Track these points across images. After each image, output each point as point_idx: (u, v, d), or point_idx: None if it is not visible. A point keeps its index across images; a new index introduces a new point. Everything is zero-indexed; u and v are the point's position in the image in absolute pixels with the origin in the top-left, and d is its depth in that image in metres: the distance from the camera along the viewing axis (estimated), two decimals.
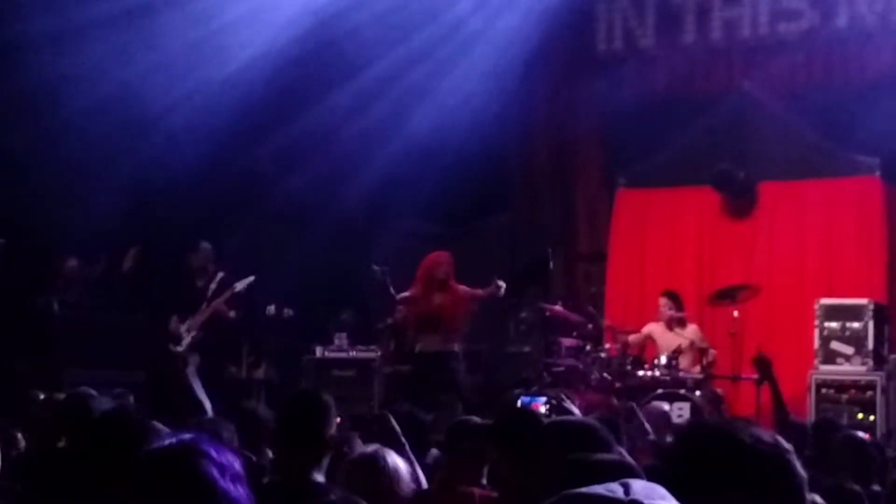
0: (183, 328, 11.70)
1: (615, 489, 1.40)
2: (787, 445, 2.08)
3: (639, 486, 1.40)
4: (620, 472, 2.64)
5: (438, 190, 12.90)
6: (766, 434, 2.00)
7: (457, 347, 11.28)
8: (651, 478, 1.61)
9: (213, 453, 2.64)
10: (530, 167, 14.45)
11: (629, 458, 3.02)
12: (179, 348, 11.67)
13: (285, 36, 12.68)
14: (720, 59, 13.34)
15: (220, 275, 11.76)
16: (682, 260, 12.79)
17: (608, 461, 2.72)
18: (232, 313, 11.77)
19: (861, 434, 5.86)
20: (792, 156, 12.38)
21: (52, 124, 11.45)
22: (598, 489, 1.40)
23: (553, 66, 13.87)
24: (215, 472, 2.59)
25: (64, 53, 11.40)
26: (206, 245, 11.93)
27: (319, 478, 4.21)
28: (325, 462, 4.27)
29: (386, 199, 13.53)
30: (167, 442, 2.70)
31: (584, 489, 1.41)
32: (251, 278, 11.69)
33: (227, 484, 2.59)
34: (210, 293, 11.70)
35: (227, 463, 2.65)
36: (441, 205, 13.31)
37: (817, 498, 6.41)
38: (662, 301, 11.67)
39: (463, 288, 11.29)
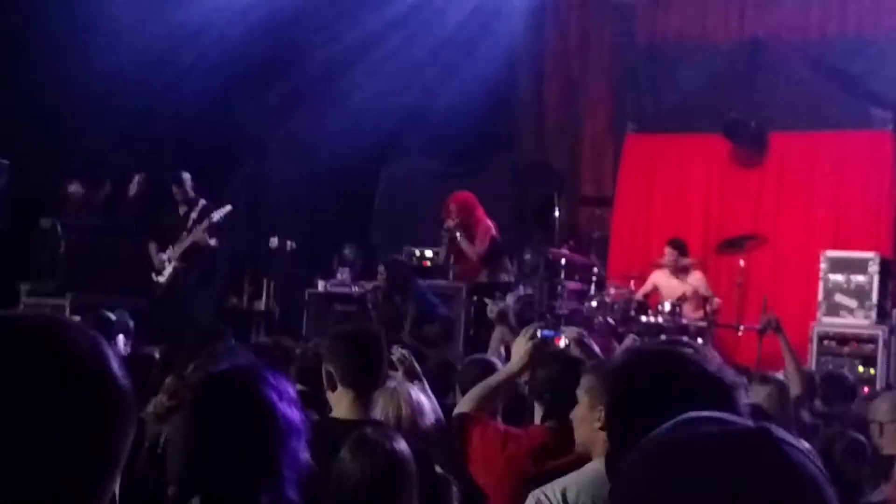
0: (164, 257, 11.59)
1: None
2: (734, 379, 2.13)
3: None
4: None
5: (446, 126, 12.81)
6: (711, 364, 2.10)
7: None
8: None
9: (271, 378, 2.67)
10: (540, 107, 14.35)
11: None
12: (161, 279, 11.57)
13: None
14: (734, 6, 13.23)
15: (202, 202, 11.61)
16: (690, 207, 12.74)
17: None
18: (213, 241, 11.60)
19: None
20: (804, 107, 12.29)
21: (62, 49, 11.32)
22: (721, 414, 1.34)
23: (565, 6, 13.75)
24: (273, 396, 2.63)
25: None
26: (186, 175, 11.74)
27: (376, 415, 4.15)
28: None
29: (393, 135, 13.44)
30: (226, 366, 2.71)
31: (706, 413, 1.34)
32: (228, 207, 11.55)
33: (284, 407, 2.63)
34: (191, 222, 11.57)
35: (283, 388, 2.69)
36: (448, 141, 13.21)
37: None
38: (667, 251, 11.60)
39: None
